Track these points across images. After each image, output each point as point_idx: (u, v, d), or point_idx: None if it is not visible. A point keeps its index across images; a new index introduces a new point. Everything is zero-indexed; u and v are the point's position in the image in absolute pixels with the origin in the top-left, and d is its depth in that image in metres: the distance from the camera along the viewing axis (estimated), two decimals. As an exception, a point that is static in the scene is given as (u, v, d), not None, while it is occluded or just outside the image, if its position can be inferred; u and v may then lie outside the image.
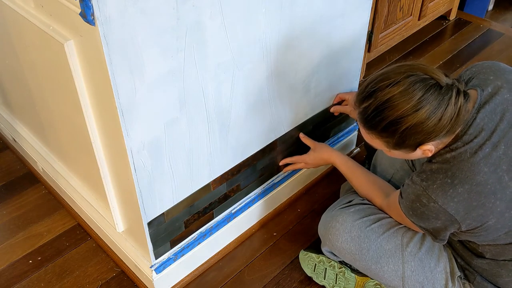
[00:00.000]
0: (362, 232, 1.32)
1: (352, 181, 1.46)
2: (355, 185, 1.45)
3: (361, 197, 1.43)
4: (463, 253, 1.25)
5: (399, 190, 1.25)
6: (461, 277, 1.25)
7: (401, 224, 1.33)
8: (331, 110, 1.62)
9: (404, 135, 1.07)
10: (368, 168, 1.80)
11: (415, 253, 1.27)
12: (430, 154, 1.13)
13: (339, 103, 1.65)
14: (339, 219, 1.36)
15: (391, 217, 1.35)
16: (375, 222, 1.33)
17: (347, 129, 1.88)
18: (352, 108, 1.53)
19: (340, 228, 1.35)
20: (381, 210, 1.38)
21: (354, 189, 1.46)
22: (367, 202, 1.40)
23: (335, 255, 1.47)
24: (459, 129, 1.10)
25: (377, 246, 1.30)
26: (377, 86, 1.07)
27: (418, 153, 1.13)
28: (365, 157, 1.92)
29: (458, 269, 1.26)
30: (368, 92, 1.09)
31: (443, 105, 1.03)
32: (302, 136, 1.54)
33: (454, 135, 1.11)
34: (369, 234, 1.31)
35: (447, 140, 1.11)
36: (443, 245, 1.28)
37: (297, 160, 1.58)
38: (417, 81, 1.04)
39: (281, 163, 1.59)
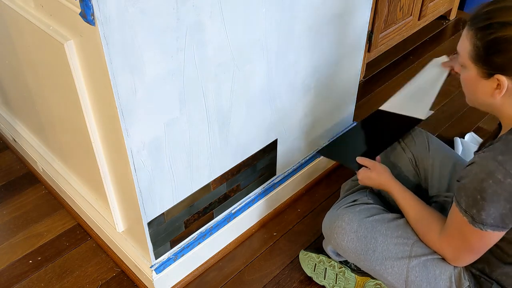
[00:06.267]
0: (369, 232, 1.30)
1: (407, 213, 1.30)
2: (409, 217, 1.30)
3: (367, 197, 1.42)
4: (486, 260, 1.20)
5: (453, 204, 1.15)
6: (470, 286, 1.23)
7: (409, 226, 1.29)
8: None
9: (495, 44, 1.00)
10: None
11: (422, 259, 1.25)
12: (498, 96, 1.04)
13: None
14: (345, 218, 1.34)
15: (438, 253, 1.23)
16: (383, 224, 1.31)
17: (347, 129, 1.88)
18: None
19: (346, 227, 1.33)
20: (429, 246, 1.25)
21: (408, 221, 1.31)
22: (372, 202, 1.39)
23: (337, 254, 1.47)
24: None
25: (384, 248, 1.28)
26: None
27: (488, 86, 1.05)
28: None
29: (469, 278, 1.23)
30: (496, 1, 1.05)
31: None
32: (359, 159, 1.41)
33: None
34: (376, 235, 1.29)
35: None
36: None
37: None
38: None
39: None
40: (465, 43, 1.07)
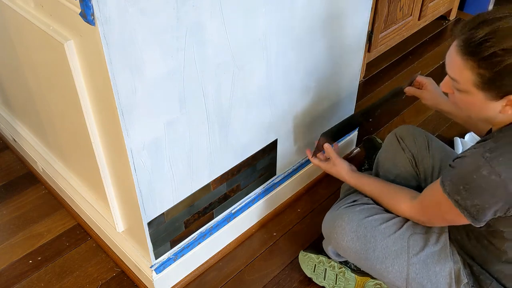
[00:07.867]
0: (369, 231, 1.31)
1: (371, 190, 1.39)
2: (375, 194, 1.38)
3: (367, 197, 1.42)
4: (483, 258, 1.22)
5: (438, 179, 1.18)
6: (468, 284, 1.24)
7: (408, 225, 1.30)
8: (406, 90, 1.50)
9: (505, 71, 0.99)
10: (369, 168, 1.80)
11: (421, 256, 1.26)
12: (510, 111, 1.05)
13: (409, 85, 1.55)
14: (345, 218, 1.34)
15: (411, 220, 1.30)
16: (382, 223, 1.31)
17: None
18: (427, 95, 1.46)
19: (346, 227, 1.33)
20: (401, 216, 1.33)
21: (375, 199, 1.40)
22: (372, 202, 1.39)
23: (338, 254, 1.47)
24: None
25: (383, 247, 1.29)
26: (495, 15, 1.01)
27: (497, 107, 1.05)
28: (365, 157, 1.92)
29: (468, 276, 1.24)
30: (483, 19, 1.02)
31: None
32: (326, 147, 1.48)
33: None
34: (375, 234, 1.30)
35: None
36: (455, 251, 1.25)
37: (319, 165, 1.52)
38: None
39: (312, 160, 1.54)
40: (465, 73, 1.05)
